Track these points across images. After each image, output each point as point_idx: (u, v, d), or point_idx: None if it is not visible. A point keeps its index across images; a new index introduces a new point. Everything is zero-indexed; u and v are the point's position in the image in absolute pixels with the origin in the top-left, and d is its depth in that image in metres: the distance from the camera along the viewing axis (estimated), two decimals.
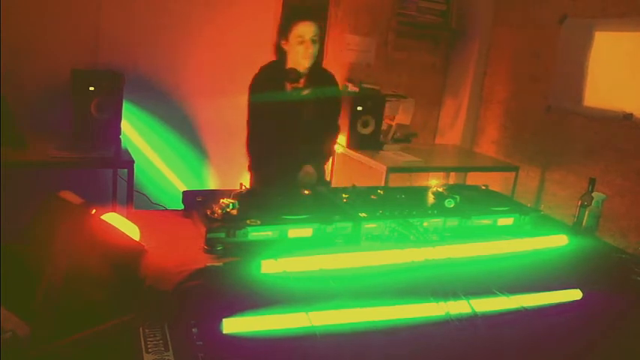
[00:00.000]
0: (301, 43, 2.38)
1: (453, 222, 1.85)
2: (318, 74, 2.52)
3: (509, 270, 1.68)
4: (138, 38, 3.31)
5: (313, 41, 2.40)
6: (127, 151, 2.95)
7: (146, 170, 3.47)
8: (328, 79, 2.60)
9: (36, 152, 2.70)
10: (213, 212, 1.63)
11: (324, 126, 2.58)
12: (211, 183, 3.73)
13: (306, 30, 2.38)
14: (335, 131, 2.68)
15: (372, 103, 3.52)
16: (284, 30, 2.44)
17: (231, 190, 1.77)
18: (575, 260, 1.84)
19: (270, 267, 1.48)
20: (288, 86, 2.48)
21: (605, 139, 3.45)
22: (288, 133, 2.47)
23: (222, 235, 1.57)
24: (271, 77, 2.50)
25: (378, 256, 1.62)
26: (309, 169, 2.47)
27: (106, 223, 1.54)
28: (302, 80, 2.46)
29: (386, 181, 3.27)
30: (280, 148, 2.48)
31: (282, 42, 2.46)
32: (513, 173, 3.80)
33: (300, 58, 2.41)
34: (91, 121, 2.94)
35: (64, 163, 2.69)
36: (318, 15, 2.50)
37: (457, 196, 1.93)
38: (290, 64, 2.46)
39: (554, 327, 1.46)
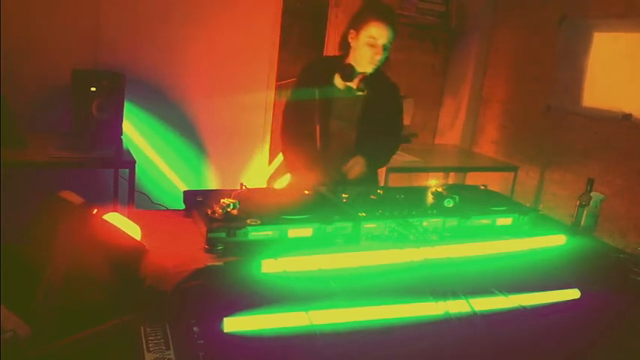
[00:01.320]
0: (372, 45, 2.19)
1: (452, 222, 1.86)
2: (377, 79, 2.31)
3: (508, 269, 1.69)
4: (138, 38, 3.32)
5: (385, 48, 2.20)
6: (128, 151, 2.96)
7: (147, 170, 3.48)
8: (389, 86, 2.41)
9: (36, 152, 2.70)
10: (213, 212, 1.63)
11: (380, 131, 2.38)
12: (212, 183, 3.74)
13: (381, 33, 2.17)
14: (393, 140, 2.51)
15: None
16: (356, 22, 2.23)
17: (231, 190, 1.78)
18: (574, 260, 1.85)
19: (270, 266, 1.48)
20: (341, 83, 2.32)
21: (605, 140, 3.46)
22: (328, 130, 2.32)
23: (223, 234, 1.57)
24: (324, 68, 2.34)
25: (377, 255, 1.62)
26: (359, 159, 2.29)
27: (108, 222, 1.54)
28: (356, 80, 2.27)
29: (386, 181, 3.28)
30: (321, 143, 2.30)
31: (351, 34, 2.26)
32: (512, 173, 3.81)
33: (364, 61, 2.23)
34: (92, 121, 2.95)
35: (65, 163, 2.70)
36: (396, 21, 2.25)
37: (456, 196, 1.93)
38: (350, 61, 2.28)
39: (553, 326, 1.47)
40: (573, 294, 1.59)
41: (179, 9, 3.39)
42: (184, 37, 3.43)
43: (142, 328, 1.25)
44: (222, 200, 1.65)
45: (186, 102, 3.53)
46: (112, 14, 3.23)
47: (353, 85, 2.29)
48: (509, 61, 4.20)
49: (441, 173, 4.27)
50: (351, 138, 2.37)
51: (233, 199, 1.66)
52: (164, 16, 3.36)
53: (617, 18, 3.38)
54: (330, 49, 3.92)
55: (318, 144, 2.29)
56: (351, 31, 2.25)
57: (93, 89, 2.93)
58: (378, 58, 2.22)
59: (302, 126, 2.33)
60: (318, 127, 2.27)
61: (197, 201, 1.79)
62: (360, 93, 2.30)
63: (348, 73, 2.25)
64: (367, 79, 2.27)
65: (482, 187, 2.25)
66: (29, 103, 3.08)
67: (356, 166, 2.30)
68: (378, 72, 2.31)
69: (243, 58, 3.64)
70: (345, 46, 2.32)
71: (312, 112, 2.27)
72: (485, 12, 4.30)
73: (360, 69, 2.26)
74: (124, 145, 3.02)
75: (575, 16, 3.66)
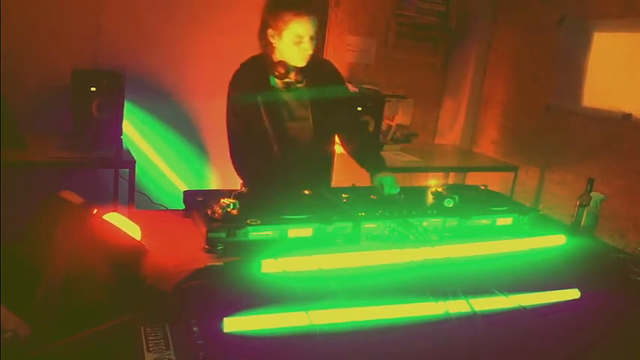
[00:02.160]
0: (298, 43, 2.01)
1: (452, 222, 1.86)
2: (313, 64, 2.12)
3: (508, 269, 1.69)
4: (139, 38, 3.31)
5: (311, 39, 2.03)
6: (128, 151, 2.96)
7: (147, 170, 3.48)
8: (326, 66, 2.23)
9: (36, 152, 2.70)
10: (213, 212, 1.63)
11: (345, 123, 2.25)
12: (212, 183, 3.74)
13: (307, 29, 1.99)
14: (360, 123, 2.35)
15: (371, 104, 3.53)
16: (274, 20, 2.02)
17: (231, 190, 1.78)
18: (574, 260, 1.85)
19: (270, 267, 1.48)
20: (279, 83, 2.14)
21: (605, 139, 3.46)
22: (286, 137, 2.16)
23: (223, 234, 1.58)
24: (256, 72, 2.14)
25: (377, 255, 1.62)
26: (386, 175, 2.12)
27: (108, 222, 1.54)
28: (293, 74, 2.10)
29: None
30: (280, 157, 2.14)
31: (270, 33, 2.06)
32: (512, 173, 3.81)
33: (295, 58, 2.06)
34: (92, 121, 2.95)
35: (65, 163, 2.70)
36: (314, 7, 2.06)
37: (456, 196, 1.93)
38: (279, 58, 2.09)
39: (553, 326, 1.47)
40: (573, 294, 1.59)
41: (179, 9, 3.39)
42: (185, 37, 3.43)
43: (142, 328, 1.25)
44: (222, 200, 1.65)
45: (186, 102, 3.53)
46: (112, 14, 3.23)
47: (291, 78, 2.12)
48: (509, 61, 4.20)
49: (441, 173, 4.26)
50: (309, 134, 2.20)
51: (233, 199, 1.66)
52: (164, 16, 3.36)
53: (617, 18, 3.38)
54: (331, 49, 3.92)
55: (275, 151, 2.14)
56: (270, 30, 2.05)
57: (93, 89, 2.93)
58: (309, 53, 2.05)
59: (253, 137, 2.15)
60: (272, 134, 2.13)
61: (197, 201, 1.80)
62: (300, 85, 2.14)
63: (284, 72, 2.08)
64: (302, 69, 2.10)
65: (482, 187, 2.25)
66: (29, 103, 3.08)
67: (393, 182, 2.11)
68: (312, 59, 2.13)
69: (243, 58, 3.63)
70: (267, 44, 2.10)
71: (261, 120, 2.12)
72: (485, 12, 4.30)
73: (292, 64, 2.08)
74: (124, 145, 3.02)
75: (575, 16, 3.66)
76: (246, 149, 2.19)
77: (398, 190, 2.08)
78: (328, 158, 2.40)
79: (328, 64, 2.29)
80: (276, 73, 2.10)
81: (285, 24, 2.00)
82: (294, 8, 1.99)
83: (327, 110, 2.20)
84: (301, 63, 2.08)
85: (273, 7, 2.05)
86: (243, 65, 2.22)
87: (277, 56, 2.10)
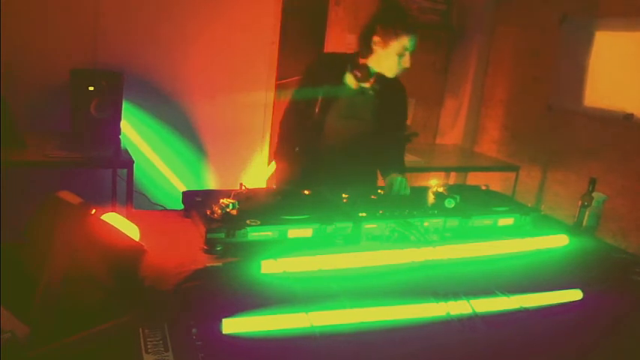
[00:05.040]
0: (402, 55, 2.18)
1: (453, 222, 1.85)
2: (390, 80, 2.30)
3: (510, 270, 1.68)
4: (137, 38, 3.31)
5: (410, 55, 2.21)
6: (126, 151, 2.95)
7: (146, 170, 3.47)
8: (397, 84, 2.39)
9: (35, 152, 2.69)
10: (212, 212, 1.63)
11: (389, 129, 2.40)
12: (211, 183, 3.73)
13: (411, 44, 2.18)
14: (403, 140, 2.54)
15: None
16: (386, 31, 2.18)
17: (230, 191, 1.77)
18: (576, 260, 1.84)
19: (269, 267, 1.47)
20: (354, 83, 2.29)
21: (606, 139, 3.45)
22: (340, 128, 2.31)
23: (222, 235, 1.57)
24: (335, 65, 2.31)
25: (378, 256, 1.61)
26: (398, 176, 2.20)
27: (106, 223, 1.53)
28: (372, 79, 2.26)
29: None
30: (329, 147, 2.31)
31: (375, 40, 2.20)
32: (514, 173, 3.80)
33: (391, 68, 2.22)
34: (91, 120, 2.95)
35: (64, 163, 2.69)
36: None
37: (457, 196, 1.92)
38: (370, 64, 2.25)
39: (555, 327, 1.46)
40: (575, 295, 1.58)
41: (178, 8, 3.38)
42: (183, 37, 3.43)
43: (140, 329, 1.24)
44: (221, 200, 1.64)
45: (185, 102, 3.52)
46: (111, 14, 3.22)
47: (367, 84, 2.28)
48: (511, 61, 4.19)
49: (442, 173, 4.26)
50: (358, 137, 2.35)
51: (232, 199, 1.65)
52: (163, 15, 3.36)
53: (619, 17, 3.37)
54: (330, 47, 3.91)
55: (324, 139, 2.30)
56: (377, 38, 2.20)
57: (91, 89, 2.93)
58: (406, 67, 2.23)
59: (306, 120, 2.30)
60: (327, 123, 2.29)
61: (196, 201, 1.79)
62: (371, 92, 2.31)
63: (365, 74, 2.24)
64: (380, 79, 2.27)
65: (483, 187, 2.24)
66: (28, 103, 3.08)
67: (403, 183, 2.19)
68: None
69: (242, 57, 3.63)
70: (365, 48, 2.25)
71: (318, 109, 2.27)
72: (487, 11, 4.29)
73: (382, 72, 2.24)
74: (122, 145, 3.01)
75: (576, 15, 3.65)
76: (296, 127, 2.35)
77: (408, 192, 2.15)
78: (371, 165, 2.46)
79: (400, 83, 2.42)
80: (357, 74, 2.25)
81: (396, 36, 2.16)
82: (405, 26, 2.18)
83: (384, 122, 2.36)
84: (392, 74, 2.24)
85: (386, 18, 2.22)
86: (322, 56, 2.42)
87: (371, 62, 2.24)
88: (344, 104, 2.30)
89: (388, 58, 2.20)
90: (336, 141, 2.33)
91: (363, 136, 2.35)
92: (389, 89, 2.34)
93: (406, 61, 2.20)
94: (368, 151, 2.37)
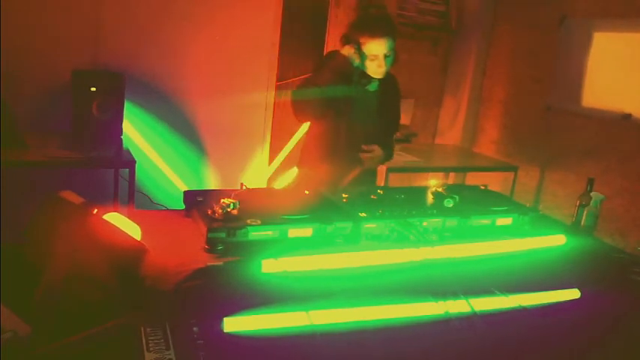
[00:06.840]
0: (374, 59, 2.30)
1: (452, 222, 1.85)
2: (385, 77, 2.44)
3: (508, 269, 1.69)
4: (138, 38, 3.32)
5: (386, 56, 2.31)
6: (128, 151, 2.96)
7: (147, 170, 3.48)
8: (391, 79, 2.54)
9: (37, 152, 2.70)
10: (213, 212, 1.63)
11: (388, 122, 2.58)
12: (212, 183, 3.74)
13: (380, 48, 2.29)
14: (395, 129, 2.71)
15: None
16: (353, 39, 2.32)
17: (231, 190, 1.78)
18: (574, 260, 1.84)
19: (270, 266, 1.48)
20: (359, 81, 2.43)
21: (605, 140, 3.46)
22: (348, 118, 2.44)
23: (223, 234, 1.57)
24: (344, 71, 2.37)
25: (377, 255, 1.62)
26: (376, 148, 2.44)
27: (108, 222, 1.54)
28: (368, 78, 2.43)
29: (386, 181, 3.28)
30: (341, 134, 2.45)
31: (347, 49, 2.33)
32: (512, 173, 3.81)
33: (370, 71, 2.35)
34: (92, 121, 2.95)
35: (65, 163, 2.70)
36: (393, 29, 2.38)
37: (456, 196, 1.93)
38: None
39: (553, 326, 1.47)
40: (573, 294, 1.59)
41: (179, 9, 3.39)
42: (184, 37, 3.43)
43: (142, 327, 1.25)
44: (222, 200, 1.65)
45: (186, 102, 3.53)
46: (112, 14, 3.23)
47: (365, 83, 2.44)
48: (509, 61, 4.20)
49: (441, 173, 4.27)
50: (364, 130, 2.47)
51: (233, 199, 1.66)
52: (164, 16, 3.36)
53: (618, 18, 3.38)
54: (330, 49, 3.91)
55: (335, 118, 2.42)
56: (347, 47, 2.32)
57: (93, 89, 2.94)
58: (382, 69, 2.33)
59: (326, 108, 2.37)
60: (343, 118, 2.42)
61: (197, 201, 1.79)
62: (372, 90, 2.46)
63: (366, 81, 2.40)
64: (378, 80, 2.43)
65: (482, 187, 2.24)
66: (29, 104, 3.08)
67: (376, 151, 2.44)
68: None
69: (243, 58, 3.64)
70: (353, 54, 2.35)
71: (337, 101, 2.36)
72: (485, 12, 4.30)
73: (370, 74, 2.38)
74: (124, 145, 3.02)
75: (575, 15, 3.66)
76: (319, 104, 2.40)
77: (375, 167, 2.49)
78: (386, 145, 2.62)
79: (395, 79, 2.60)
80: (360, 81, 2.40)
81: (363, 44, 2.30)
82: (371, 29, 2.29)
83: (381, 112, 2.53)
84: (377, 76, 2.38)
85: (355, 27, 2.36)
86: (335, 52, 2.45)
87: (360, 65, 2.36)
88: (355, 100, 2.42)
89: (364, 63, 2.32)
90: (351, 131, 2.45)
91: (365, 130, 2.47)
92: (385, 85, 2.48)
93: (381, 64, 2.31)
94: (364, 134, 2.48)
